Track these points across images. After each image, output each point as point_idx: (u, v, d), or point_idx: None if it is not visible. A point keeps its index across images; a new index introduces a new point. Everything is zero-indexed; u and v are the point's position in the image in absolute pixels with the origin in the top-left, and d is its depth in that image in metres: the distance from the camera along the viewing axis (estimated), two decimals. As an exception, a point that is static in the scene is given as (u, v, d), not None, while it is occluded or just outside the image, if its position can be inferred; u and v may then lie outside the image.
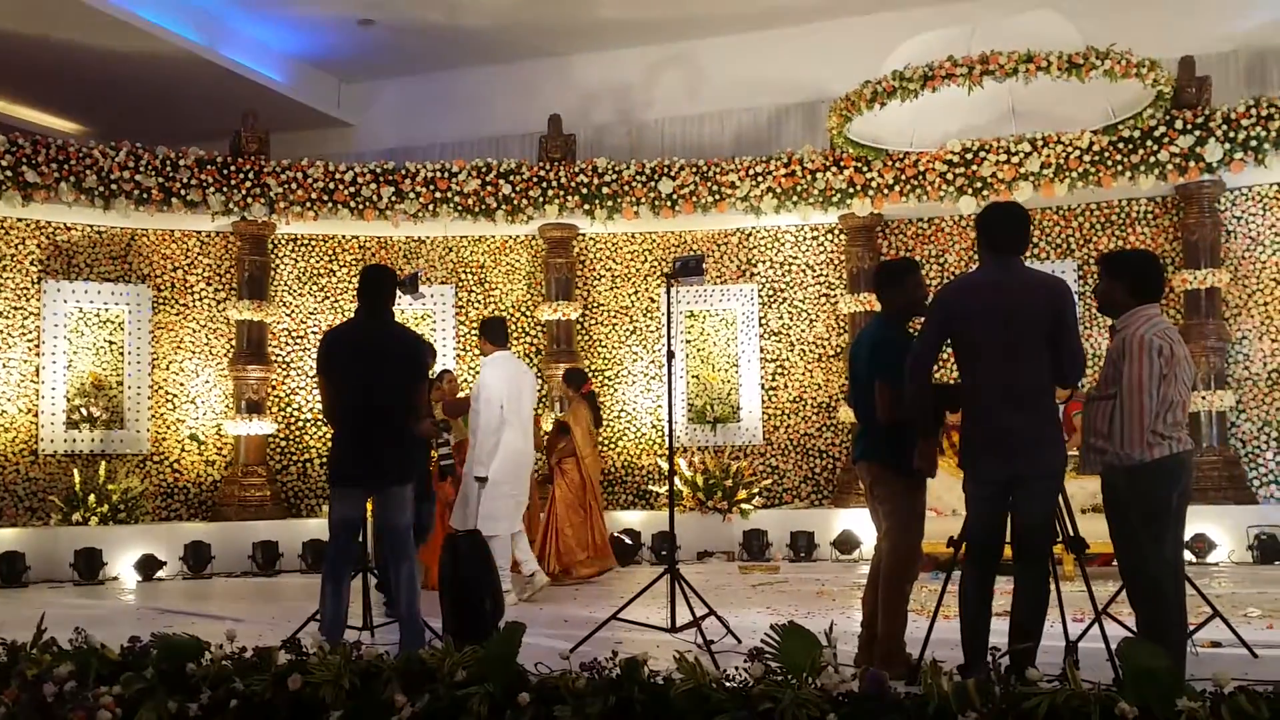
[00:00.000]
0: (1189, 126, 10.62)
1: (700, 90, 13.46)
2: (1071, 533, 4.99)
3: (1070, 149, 10.94)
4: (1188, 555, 10.16)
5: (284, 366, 12.55)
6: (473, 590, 5.48)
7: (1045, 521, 4.78)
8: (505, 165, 12.18)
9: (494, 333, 8.26)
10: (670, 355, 6.50)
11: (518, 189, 12.10)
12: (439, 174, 12.06)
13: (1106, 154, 10.87)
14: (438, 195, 12.03)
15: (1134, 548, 4.58)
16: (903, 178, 11.50)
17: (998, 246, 4.84)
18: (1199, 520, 10.38)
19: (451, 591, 5.60)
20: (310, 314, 12.65)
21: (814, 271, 12.66)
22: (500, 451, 7.89)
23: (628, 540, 11.26)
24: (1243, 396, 11.16)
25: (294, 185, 11.90)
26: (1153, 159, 10.74)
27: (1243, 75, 11.38)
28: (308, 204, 11.92)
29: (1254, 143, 10.41)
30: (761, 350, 12.67)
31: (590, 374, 12.63)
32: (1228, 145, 10.50)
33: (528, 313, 12.88)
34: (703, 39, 13.24)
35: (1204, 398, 10.89)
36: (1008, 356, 4.67)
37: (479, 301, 12.90)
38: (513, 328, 12.85)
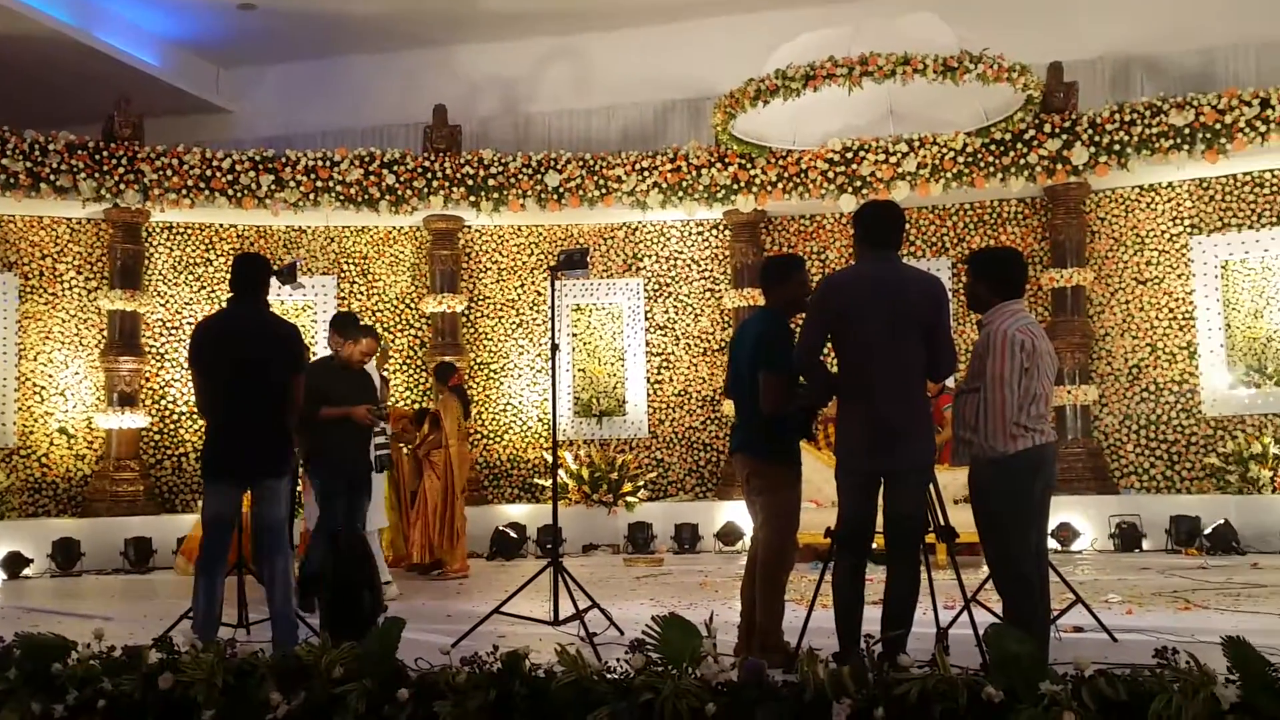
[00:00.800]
0: (1057, 130, 11.01)
1: (587, 84, 13.46)
2: (942, 522, 5.13)
3: (945, 150, 11.24)
4: (1053, 544, 10.57)
5: (158, 358, 12.21)
6: (351, 585, 5.41)
7: (917, 511, 4.91)
8: (389, 155, 12.04)
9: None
10: (555, 349, 6.51)
11: (402, 179, 11.96)
12: (320, 162, 11.86)
13: (979, 156, 11.20)
14: (319, 184, 11.84)
15: (999, 537, 4.74)
16: (785, 175, 11.68)
17: (875, 243, 4.96)
18: (1064, 510, 10.79)
19: (330, 587, 5.53)
20: (186, 304, 12.33)
21: (699, 266, 12.79)
22: None
23: (513, 534, 11.24)
24: (1105, 391, 11.61)
25: (169, 172, 11.58)
26: (1023, 161, 11.11)
27: (1108, 82, 11.82)
28: (183, 191, 11.62)
29: (1117, 147, 10.83)
30: (647, 344, 12.75)
31: (476, 367, 12.59)
32: (1093, 149, 10.91)
33: (412, 305, 12.75)
34: (590, 33, 13.25)
35: (1069, 392, 11.30)
36: (884, 350, 4.79)
37: (362, 293, 12.72)
38: (396, 320, 12.72)
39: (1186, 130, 10.55)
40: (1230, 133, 10.40)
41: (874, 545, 5.00)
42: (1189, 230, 11.38)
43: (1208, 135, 10.48)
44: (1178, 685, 3.56)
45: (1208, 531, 10.13)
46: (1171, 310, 11.43)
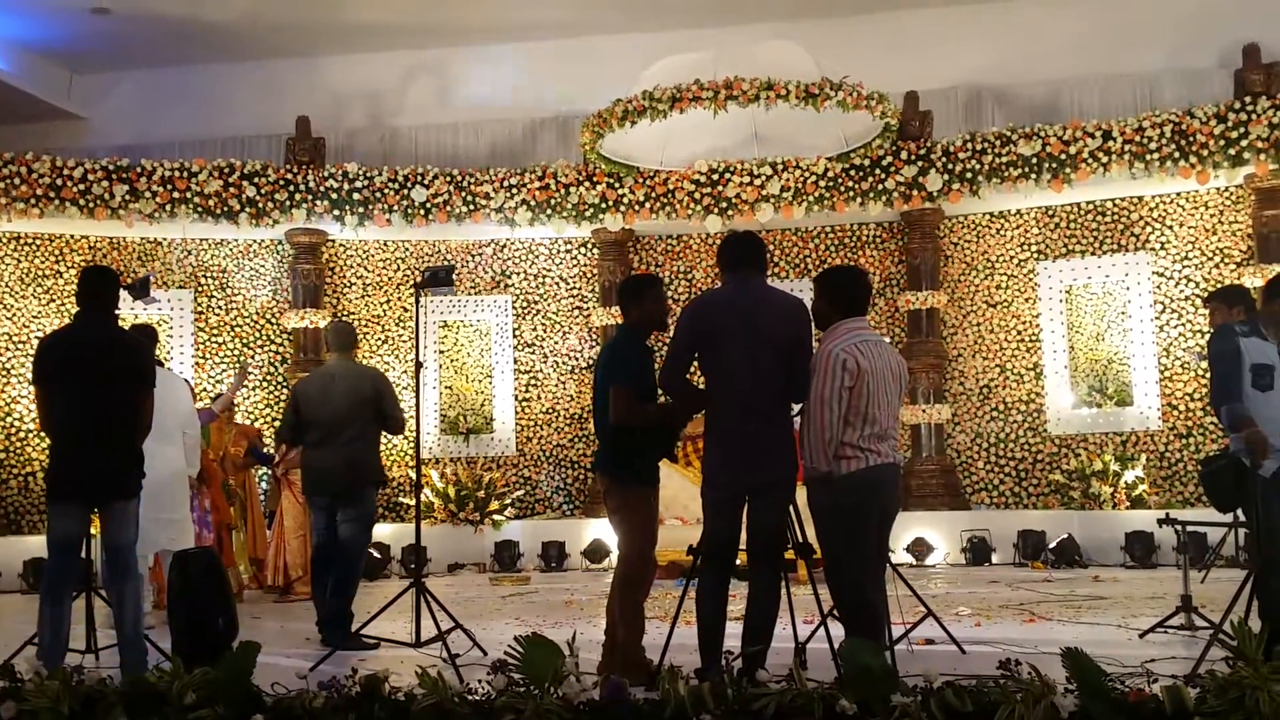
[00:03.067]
0: (913, 158, 11.39)
1: (455, 99, 13.38)
2: (801, 539, 5.25)
3: (807, 174, 11.52)
4: (908, 558, 10.90)
5: (3, 373, 11.71)
6: (204, 609, 5.27)
7: (779, 529, 5.01)
8: (250, 166, 11.79)
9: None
10: (419, 365, 6.46)
11: (263, 192, 11.73)
12: (178, 173, 11.56)
13: (840, 180, 11.51)
14: (176, 195, 11.53)
15: (832, 556, 4.83)
16: (653, 195, 11.82)
17: (742, 264, 5.06)
18: (919, 525, 11.14)
19: (182, 610, 5.37)
20: (34, 317, 11.85)
21: (567, 284, 12.83)
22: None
23: (376, 554, 11.07)
24: (958, 410, 12.03)
25: (17, 180, 11.14)
26: (881, 186, 11.46)
27: (961, 111, 12.26)
28: (32, 200, 11.18)
29: (969, 175, 11.25)
30: (515, 361, 12.73)
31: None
32: (947, 176, 11.32)
33: (273, 320, 12.49)
34: (458, 48, 13.19)
35: (924, 411, 11.68)
36: (749, 370, 4.88)
37: (220, 307, 12.41)
38: (257, 335, 12.45)
39: (1034, 160, 11.02)
40: (1074, 163, 10.90)
41: (738, 562, 5.09)
42: (1036, 256, 11.88)
43: (1053, 165, 10.96)
44: (1020, 695, 3.72)
45: (1052, 545, 10.57)
46: (1019, 332, 11.91)
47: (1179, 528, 6.72)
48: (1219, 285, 11.07)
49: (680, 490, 10.08)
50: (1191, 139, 10.55)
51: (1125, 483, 10.88)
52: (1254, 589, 5.31)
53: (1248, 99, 10.48)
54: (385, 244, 12.69)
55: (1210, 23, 11.49)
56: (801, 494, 5.00)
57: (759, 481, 4.90)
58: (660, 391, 5.26)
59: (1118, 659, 5.29)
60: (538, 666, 3.64)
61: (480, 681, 3.66)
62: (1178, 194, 11.30)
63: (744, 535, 5.03)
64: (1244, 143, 10.35)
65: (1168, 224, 11.40)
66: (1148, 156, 10.67)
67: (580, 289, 12.81)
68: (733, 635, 4.95)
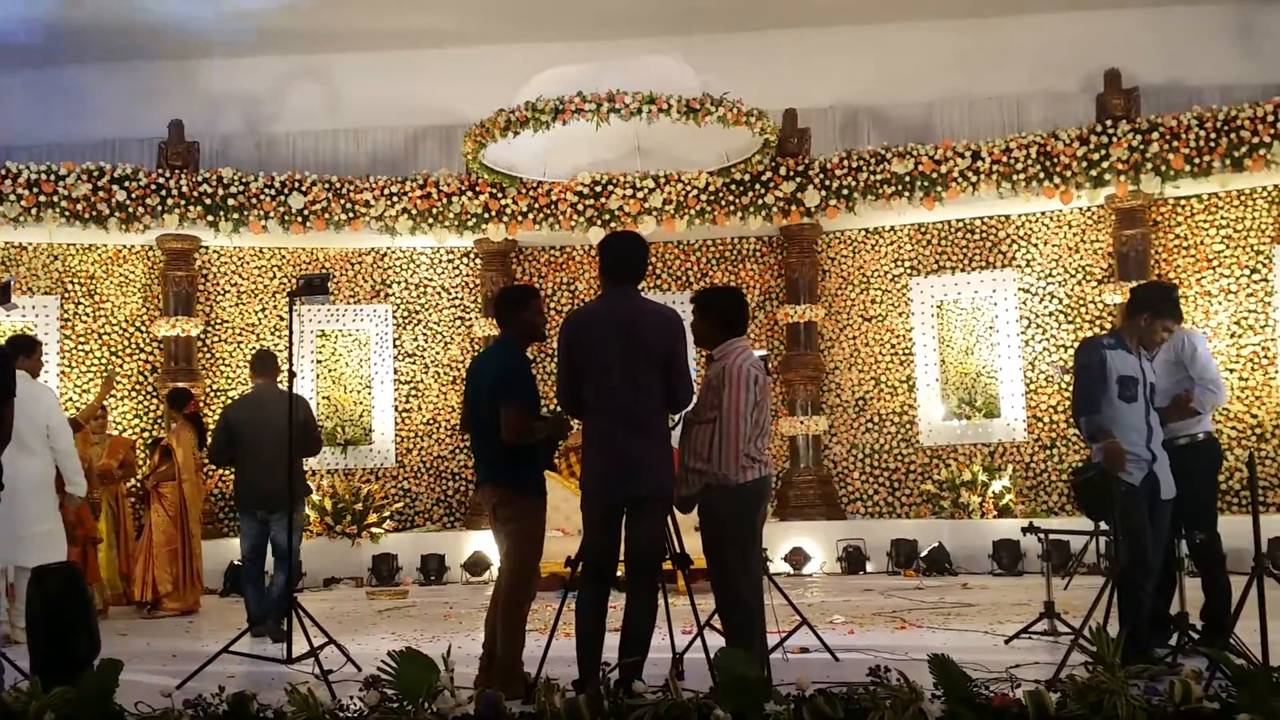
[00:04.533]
0: (791, 174, 11.60)
1: (335, 106, 13.17)
2: (679, 550, 5.31)
3: (689, 188, 11.65)
4: (785, 567, 11.08)
5: None
6: (64, 626, 5.09)
7: (656, 540, 5.07)
8: (120, 170, 11.45)
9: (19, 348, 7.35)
10: (291, 375, 6.35)
11: (134, 196, 11.40)
12: (44, 176, 11.16)
13: (721, 194, 11.67)
14: (42, 199, 11.13)
15: (726, 564, 4.94)
16: (536, 206, 11.81)
17: (615, 276, 5.10)
18: (796, 535, 11.33)
19: (41, 628, 5.17)
20: (-117, 323, 11.31)
21: (449, 294, 12.74)
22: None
23: (248, 567, 10.82)
24: (835, 422, 12.27)
25: None
26: (760, 201, 11.64)
27: (838, 130, 12.53)
28: (-118, 201, 10.68)
29: (846, 191, 11.51)
30: (395, 372, 12.59)
31: (212, 394, 12.08)
32: (824, 193, 11.55)
33: (143, 328, 12.12)
34: (338, 54, 12.99)
35: (801, 422, 11.89)
36: (625, 382, 4.92)
37: (88, 314, 12.01)
38: (126, 344, 12.07)
39: (907, 178, 11.32)
40: (945, 182, 11.23)
41: (616, 573, 5.12)
42: (909, 271, 12.20)
43: (925, 183, 11.28)
44: (889, 702, 3.82)
45: (924, 554, 10.84)
46: (893, 346, 12.20)
47: (1042, 536, 6.96)
48: (1081, 302, 11.55)
49: (562, 501, 10.06)
50: (1056, 160, 10.95)
51: (993, 492, 11.22)
52: (1114, 595, 5.53)
53: (1109, 122, 10.92)
54: (261, 251, 12.44)
55: (1074, 48, 11.96)
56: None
57: (636, 494, 4.94)
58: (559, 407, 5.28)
59: (984, 664, 5.44)
60: (412, 681, 3.62)
61: (353, 698, 3.62)
62: (1043, 213, 11.71)
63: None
64: (1105, 164, 10.79)
65: (1033, 242, 11.81)
66: (1014, 176, 11.05)
67: (462, 299, 12.72)
68: (612, 647, 4.98)
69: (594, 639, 4.94)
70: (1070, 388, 6.82)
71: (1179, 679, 3.81)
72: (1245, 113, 10.35)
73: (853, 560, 11.12)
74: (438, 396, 12.61)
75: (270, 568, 7.64)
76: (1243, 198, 11.03)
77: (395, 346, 12.62)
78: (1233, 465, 10.59)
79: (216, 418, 8.57)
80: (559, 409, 5.28)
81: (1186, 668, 4.36)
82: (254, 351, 7.91)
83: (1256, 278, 10.97)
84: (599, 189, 11.73)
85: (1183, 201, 11.24)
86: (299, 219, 11.70)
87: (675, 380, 5.00)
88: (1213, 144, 10.44)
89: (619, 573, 5.07)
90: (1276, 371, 10.81)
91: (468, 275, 12.73)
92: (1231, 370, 10.87)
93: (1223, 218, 11.13)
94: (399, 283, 12.70)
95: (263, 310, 12.43)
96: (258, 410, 7.48)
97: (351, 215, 11.79)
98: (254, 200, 11.64)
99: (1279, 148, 10.13)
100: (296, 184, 11.75)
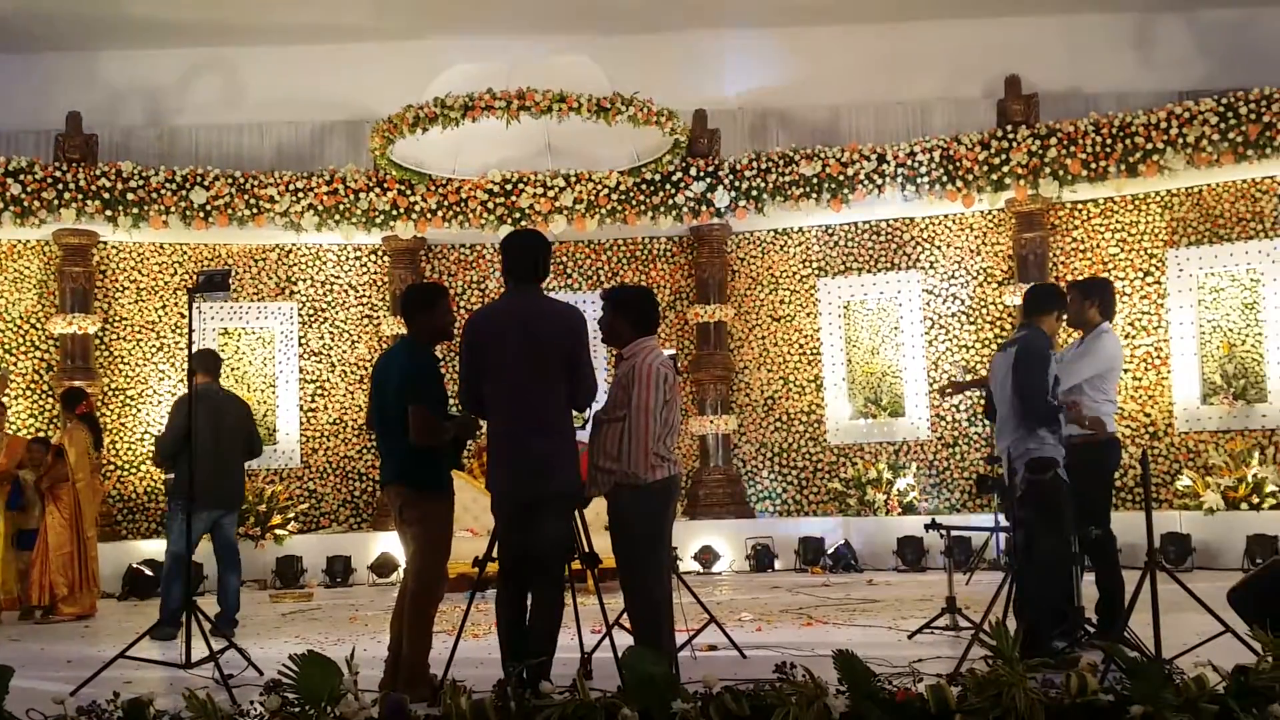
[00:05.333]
0: (701, 174, 11.67)
1: (239, 99, 12.92)
2: (588, 549, 5.30)
3: (600, 187, 11.65)
4: (695, 566, 11.15)
5: None
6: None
7: (561, 539, 5.06)
8: (15, 163, 11.10)
9: None
10: (193, 374, 6.22)
11: (29, 189, 11.06)
12: (-68, 168, 10.78)
13: (631, 194, 11.69)
14: (-71, 191, 10.74)
15: (637, 562, 4.95)
16: (446, 203, 11.71)
17: (517, 275, 5.07)
18: (706, 533, 11.41)
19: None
20: None
21: (357, 292, 12.58)
22: None
23: (148, 571, 10.57)
24: (744, 421, 12.37)
25: None
26: (671, 201, 11.69)
27: (747, 131, 12.64)
28: None
29: (755, 192, 11.61)
30: (301, 371, 12.39)
31: (110, 393, 11.77)
32: (733, 193, 11.64)
33: (38, 325, 11.76)
34: (242, 47, 12.74)
35: (711, 421, 11.97)
36: (528, 381, 4.89)
37: (-22, 311, 11.61)
38: (20, 341, 11.71)
39: (815, 180, 11.46)
40: (852, 184, 11.39)
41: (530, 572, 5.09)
42: (817, 272, 12.35)
43: (833, 185, 11.43)
44: (795, 698, 3.85)
45: (830, 551, 10.99)
46: (802, 346, 12.34)
47: (944, 532, 7.09)
48: (982, 303, 11.80)
49: (472, 502, 10.02)
50: (958, 164, 11.18)
51: (897, 490, 11.41)
52: (1013, 590, 5.65)
53: (1009, 128, 11.18)
54: (161, 247, 12.15)
55: (977, 55, 12.22)
56: (598, 502, 5.07)
57: (542, 493, 4.92)
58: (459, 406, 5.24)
59: (888, 659, 5.53)
60: (314, 685, 3.56)
61: (253, 703, 3.55)
62: (945, 216, 11.95)
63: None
64: (1005, 169, 11.04)
65: (936, 244, 12.04)
66: (918, 180, 11.26)
67: (370, 297, 12.57)
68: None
69: (516, 636, 4.91)
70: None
71: (1075, 672, 3.90)
72: (1140, 119, 10.66)
73: (761, 558, 11.22)
74: (345, 396, 12.44)
75: (209, 569, 8.03)
76: (1137, 202, 11.37)
77: (301, 345, 12.43)
78: (1127, 463, 10.90)
79: (167, 414, 8.34)
80: (461, 410, 5.24)
81: (1083, 661, 4.47)
82: (197, 352, 7.77)
83: (1150, 280, 11.31)
84: (509, 187, 11.67)
85: (1080, 205, 11.55)
86: (201, 214, 11.45)
87: (578, 379, 4.99)
88: (1109, 150, 10.74)
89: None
90: (1169, 371, 11.16)
91: (375, 273, 12.58)
92: (1126, 370, 11.19)
93: (1118, 222, 11.46)
94: (305, 280, 12.50)
95: (163, 307, 12.14)
96: (205, 409, 7.33)
97: (256, 211, 11.57)
98: (155, 195, 11.37)
99: (1172, 154, 10.46)
100: (199, 178, 11.50)
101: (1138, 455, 8.31)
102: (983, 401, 6.37)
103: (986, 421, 10.98)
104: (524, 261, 5.05)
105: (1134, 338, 11.30)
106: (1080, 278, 9.86)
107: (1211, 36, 12.23)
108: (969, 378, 10.59)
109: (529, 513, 4.96)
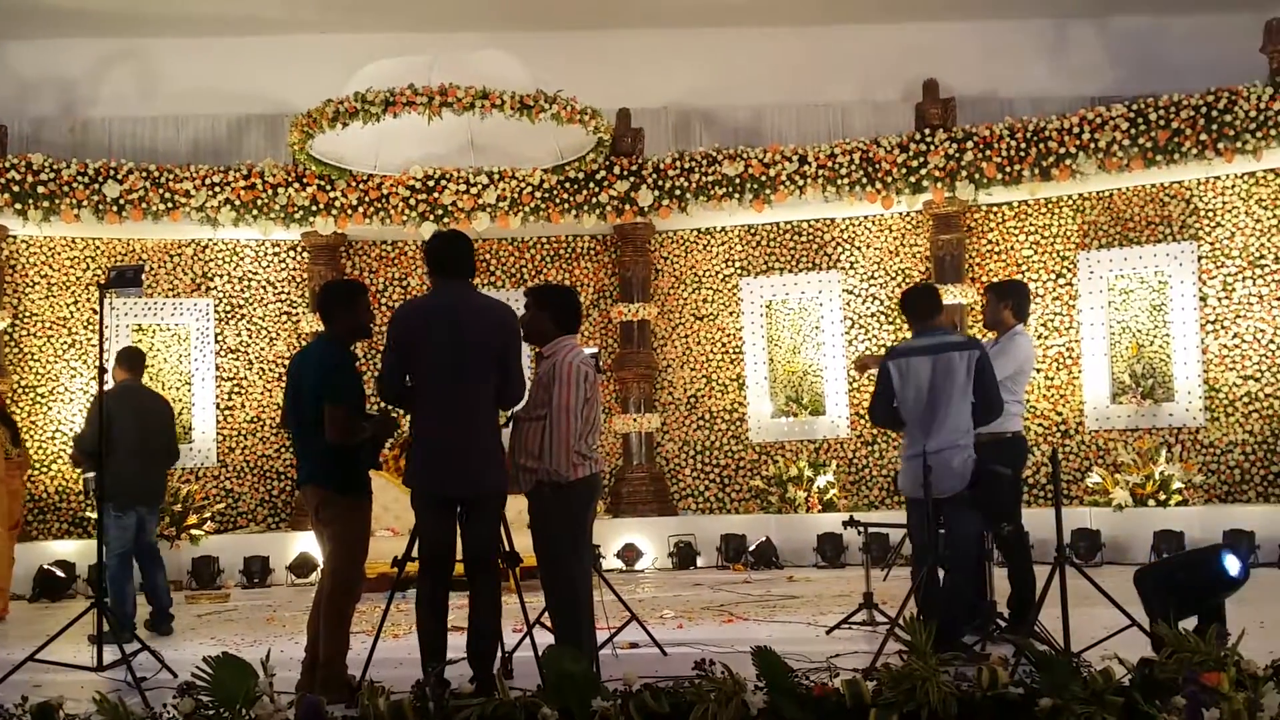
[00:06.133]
0: (625, 173, 11.69)
1: (154, 91, 12.65)
2: (509, 548, 5.30)
3: (524, 184, 11.61)
4: (618, 563, 11.18)
5: None
6: None
7: (494, 536, 5.06)
8: (-83, 154, 10.77)
9: None
10: (102, 371, 6.10)
11: (-68, 181, 10.74)
12: None
13: (555, 192, 11.67)
14: None
15: (558, 561, 4.96)
16: (366, 199, 11.59)
17: (446, 271, 5.05)
18: (629, 531, 11.44)
19: None
20: None
21: (275, 288, 12.40)
22: None
23: (60, 573, 10.33)
24: (667, 419, 12.42)
25: None
26: (595, 200, 11.70)
27: (671, 131, 12.69)
28: None
29: (679, 191, 11.66)
30: (217, 368, 12.18)
31: (20, 391, 11.49)
32: (657, 193, 11.68)
33: (-59, 321, 11.42)
34: (158, 38, 12.48)
35: (634, 420, 12.00)
36: (457, 378, 4.88)
37: (-123, 306, 11.24)
38: (-79, 337, 11.36)
39: (737, 180, 11.54)
40: (774, 185, 11.49)
41: (454, 570, 5.07)
42: (739, 272, 12.44)
43: (755, 186, 11.52)
44: (714, 694, 3.89)
45: (752, 548, 11.08)
46: (724, 345, 12.43)
47: (861, 529, 7.20)
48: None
49: (393, 501, 9.94)
50: (877, 166, 11.33)
51: (818, 487, 11.54)
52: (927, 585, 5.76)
53: (927, 131, 11.36)
54: (73, 241, 11.87)
55: (895, 59, 12.40)
56: (518, 501, 5.07)
57: (470, 491, 4.91)
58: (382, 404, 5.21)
59: (806, 655, 5.61)
60: (228, 687, 3.52)
61: (166, 705, 3.49)
62: (865, 217, 12.10)
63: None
64: (923, 171, 11.22)
65: (856, 245, 12.20)
66: (839, 181, 11.39)
67: (289, 293, 12.40)
68: (455, 646, 4.94)
69: (434, 638, 4.89)
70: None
71: (986, 666, 3.99)
72: (1054, 124, 10.89)
73: (684, 556, 11.28)
74: (262, 394, 12.26)
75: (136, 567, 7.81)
76: (1050, 205, 11.63)
77: (217, 342, 12.22)
78: (1040, 460, 11.16)
79: (86, 412, 8.19)
80: (385, 406, 5.21)
81: (994, 654, 4.58)
82: (121, 349, 8.13)
83: (1062, 282, 11.57)
84: (432, 184, 11.58)
85: (995, 208, 11.78)
86: (114, 208, 11.20)
87: (507, 376, 4.98)
88: (1023, 154, 10.97)
89: (456, 571, 5.03)
90: (1080, 371, 11.43)
91: (294, 269, 12.41)
92: (1039, 370, 11.45)
93: (1032, 224, 11.71)
94: (221, 276, 12.30)
95: (75, 303, 11.86)
96: (131, 406, 7.59)
97: (171, 205, 11.35)
98: (66, 188, 11.10)
99: (1084, 159, 10.70)
100: (112, 172, 11.24)
101: (1049, 453, 8.52)
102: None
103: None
104: (452, 258, 5.04)
105: (1046, 338, 11.55)
106: (995, 280, 10.07)
107: (1123, 43, 12.57)
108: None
109: (453, 508, 4.95)
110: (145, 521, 7.71)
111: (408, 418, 5.23)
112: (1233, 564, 5.16)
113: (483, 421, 4.95)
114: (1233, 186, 10.93)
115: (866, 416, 6.12)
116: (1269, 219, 10.78)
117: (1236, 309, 10.89)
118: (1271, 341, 10.74)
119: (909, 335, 6.30)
